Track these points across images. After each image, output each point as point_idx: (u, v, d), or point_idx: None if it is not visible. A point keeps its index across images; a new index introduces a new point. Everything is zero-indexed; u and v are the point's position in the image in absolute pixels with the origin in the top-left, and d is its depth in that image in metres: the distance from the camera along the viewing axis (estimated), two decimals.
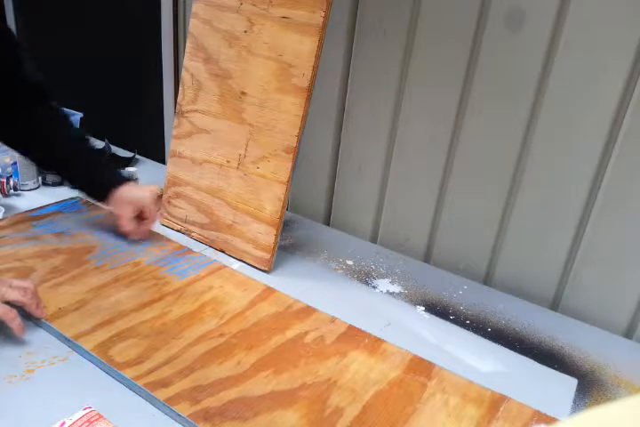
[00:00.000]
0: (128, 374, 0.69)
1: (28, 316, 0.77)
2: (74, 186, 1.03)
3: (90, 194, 1.03)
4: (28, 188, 1.19)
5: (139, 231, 1.00)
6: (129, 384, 0.69)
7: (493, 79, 0.95)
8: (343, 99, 1.12)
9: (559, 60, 0.88)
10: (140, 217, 1.00)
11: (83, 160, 1.00)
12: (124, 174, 1.05)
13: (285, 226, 1.08)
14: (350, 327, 0.84)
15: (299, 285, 0.95)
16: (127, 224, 0.98)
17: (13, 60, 0.94)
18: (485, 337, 0.87)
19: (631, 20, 0.82)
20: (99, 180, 1.01)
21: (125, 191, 0.99)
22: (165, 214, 1.11)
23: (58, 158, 1.00)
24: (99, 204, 1.04)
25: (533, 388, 0.76)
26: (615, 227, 0.92)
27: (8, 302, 0.73)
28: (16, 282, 0.76)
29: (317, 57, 0.89)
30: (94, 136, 1.23)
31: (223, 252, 1.02)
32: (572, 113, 0.90)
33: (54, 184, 1.22)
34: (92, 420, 0.60)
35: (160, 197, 1.08)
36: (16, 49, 0.96)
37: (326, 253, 1.07)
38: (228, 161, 1.01)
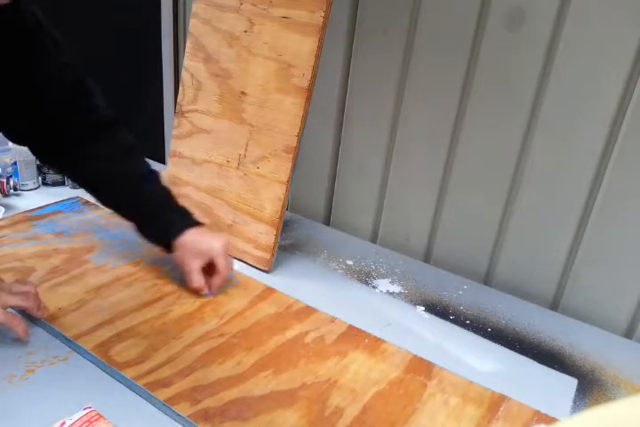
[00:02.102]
0: (128, 374, 0.69)
1: (28, 316, 0.77)
2: (137, 231, 0.90)
3: (151, 241, 0.90)
4: (27, 188, 1.19)
5: (208, 285, 0.87)
6: (129, 384, 0.69)
7: (493, 79, 0.95)
8: (343, 99, 1.12)
9: (559, 59, 0.88)
10: (210, 269, 0.87)
11: (142, 201, 0.88)
12: (193, 217, 0.89)
13: (285, 226, 1.08)
14: (350, 327, 0.84)
15: (299, 285, 0.95)
16: (196, 279, 0.85)
17: (77, 94, 0.82)
18: (485, 337, 0.87)
19: (631, 20, 0.82)
20: (160, 225, 0.87)
21: (192, 239, 0.86)
22: None
23: (114, 201, 0.90)
24: (164, 252, 0.90)
25: (533, 388, 0.76)
26: (615, 227, 0.92)
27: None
28: (16, 286, 0.76)
29: (317, 57, 0.89)
30: None
31: None
32: (572, 113, 0.90)
33: (54, 184, 1.22)
34: (92, 420, 0.60)
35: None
36: (82, 79, 0.83)
37: (326, 253, 1.07)
38: (227, 161, 1.01)
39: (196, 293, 0.87)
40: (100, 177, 0.87)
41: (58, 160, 0.89)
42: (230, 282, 0.90)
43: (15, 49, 0.73)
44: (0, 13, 0.67)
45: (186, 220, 0.88)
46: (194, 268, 0.85)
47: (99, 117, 0.86)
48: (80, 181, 0.93)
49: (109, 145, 0.86)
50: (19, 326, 0.72)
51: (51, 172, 1.21)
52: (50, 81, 0.78)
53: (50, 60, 0.78)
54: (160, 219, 0.87)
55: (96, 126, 0.85)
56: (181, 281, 0.90)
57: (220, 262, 0.86)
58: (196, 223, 0.88)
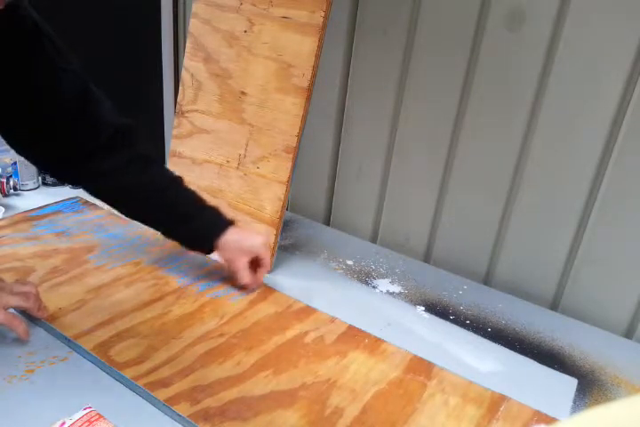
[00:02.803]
0: (128, 374, 0.69)
1: (28, 316, 0.77)
2: (173, 238, 0.90)
3: (191, 246, 0.91)
4: (27, 188, 1.19)
5: (255, 281, 0.90)
6: (129, 384, 0.69)
7: (493, 79, 0.95)
8: (343, 99, 1.12)
9: (559, 60, 0.88)
10: (254, 265, 0.90)
11: (174, 209, 0.87)
12: (227, 216, 0.90)
13: (285, 226, 1.08)
14: (350, 327, 0.84)
15: (299, 285, 0.95)
16: (246, 276, 0.88)
17: (82, 104, 0.79)
18: (485, 337, 0.87)
19: (631, 20, 0.82)
20: (197, 229, 0.87)
21: (234, 238, 0.87)
22: None
23: (141, 212, 0.88)
24: (203, 255, 0.93)
25: (533, 388, 0.76)
26: (615, 227, 0.92)
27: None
28: (17, 287, 0.75)
29: (317, 57, 0.89)
30: None
31: None
32: (572, 113, 0.90)
33: (54, 184, 1.22)
34: (92, 420, 0.60)
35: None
36: (88, 88, 0.80)
37: (326, 253, 1.07)
38: (227, 161, 1.01)
39: (243, 288, 0.90)
40: (118, 191, 0.85)
41: (70, 174, 0.86)
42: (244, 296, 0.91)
43: (11, 54, 0.71)
44: None
45: (222, 220, 0.89)
46: (242, 266, 0.88)
47: (107, 127, 0.82)
48: (100, 196, 0.89)
49: (124, 157, 0.84)
50: (19, 326, 0.72)
51: None
52: (50, 87, 0.76)
53: (49, 66, 0.75)
54: (197, 223, 0.87)
55: (109, 140, 0.82)
56: (182, 281, 0.90)
57: (264, 258, 0.89)
58: (231, 222, 0.89)
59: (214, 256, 0.93)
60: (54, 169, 0.87)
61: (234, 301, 0.88)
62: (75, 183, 0.92)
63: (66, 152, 0.81)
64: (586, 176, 0.92)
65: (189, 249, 0.92)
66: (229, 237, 0.87)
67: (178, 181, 0.89)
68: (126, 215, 0.91)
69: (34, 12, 0.72)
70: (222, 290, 0.90)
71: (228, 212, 0.93)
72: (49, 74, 0.75)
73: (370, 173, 1.14)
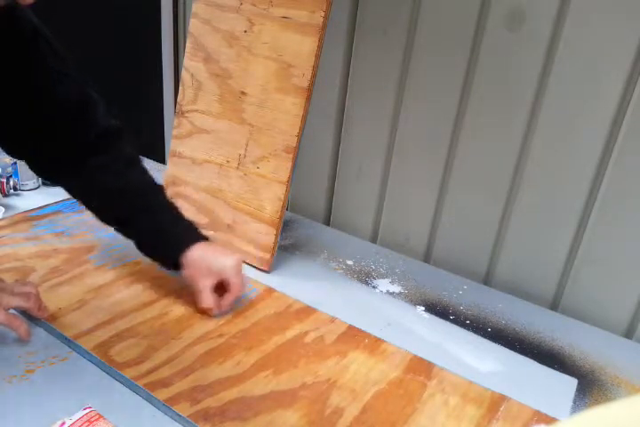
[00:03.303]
0: (128, 374, 0.69)
1: (28, 316, 0.77)
2: (139, 248, 0.84)
3: (158, 257, 0.84)
4: (27, 188, 1.19)
5: (218, 306, 0.81)
6: (129, 384, 0.69)
7: (493, 79, 0.95)
8: (343, 99, 1.12)
9: (559, 60, 0.88)
10: (220, 288, 0.82)
11: (145, 216, 0.82)
12: (199, 231, 0.84)
13: (285, 226, 1.08)
14: (350, 327, 0.84)
15: (299, 285, 0.95)
16: (207, 300, 0.80)
17: (79, 106, 0.78)
18: (485, 337, 0.87)
19: (631, 20, 0.82)
20: (167, 239, 0.82)
21: (200, 254, 0.80)
22: None
23: (116, 215, 0.84)
24: (171, 272, 0.86)
25: (533, 388, 0.76)
26: (615, 227, 0.92)
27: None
28: (18, 287, 0.76)
29: (317, 57, 0.89)
30: None
31: None
32: (572, 113, 0.90)
33: (54, 184, 1.22)
34: (92, 420, 0.60)
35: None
36: (85, 90, 0.79)
37: (326, 253, 1.07)
38: (227, 161, 1.01)
39: (204, 312, 0.82)
40: (98, 190, 0.82)
41: (56, 173, 0.84)
42: (244, 299, 0.87)
43: (8, 56, 0.70)
44: None
45: (192, 234, 0.83)
46: (205, 288, 0.80)
47: (100, 129, 0.81)
48: (78, 195, 0.85)
49: (109, 157, 0.81)
50: (20, 326, 0.72)
51: None
52: (46, 90, 0.75)
53: (46, 68, 0.74)
54: (165, 234, 0.82)
55: (97, 138, 0.81)
56: (182, 281, 0.90)
57: (234, 282, 0.81)
58: (203, 238, 0.83)
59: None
60: (44, 169, 0.85)
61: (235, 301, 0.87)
62: (55, 181, 0.87)
63: (59, 153, 0.80)
64: (586, 176, 0.92)
65: (156, 261, 0.85)
66: (197, 253, 0.80)
67: (157, 188, 0.85)
68: (102, 219, 0.85)
69: (32, 14, 0.72)
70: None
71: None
72: (45, 76, 0.75)
73: (370, 173, 1.14)
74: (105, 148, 0.81)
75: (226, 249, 0.86)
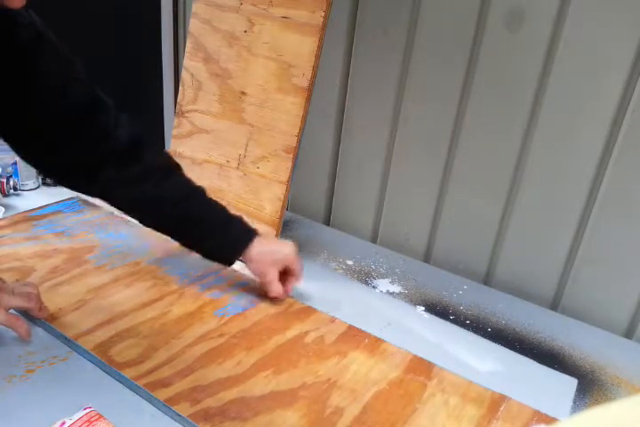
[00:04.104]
0: (128, 374, 0.69)
1: (28, 316, 0.77)
2: (194, 251, 0.87)
3: (214, 259, 0.88)
4: (27, 188, 1.19)
5: (286, 291, 0.88)
6: (129, 384, 0.69)
7: (493, 79, 0.95)
8: (343, 99, 1.12)
9: (559, 60, 0.88)
10: (283, 275, 0.88)
11: (197, 221, 0.84)
12: (251, 227, 0.87)
13: (285, 226, 1.08)
14: (350, 327, 0.84)
15: (299, 285, 0.95)
16: (277, 288, 0.86)
17: (102, 133, 0.78)
18: (485, 337, 0.87)
19: (631, 19, 0.82)
20: (221, 243, 0.85)
21: (264, 250, 0.85)
22: None
23: (163, 224, 0.85)
24: (231, 268, 0.90)
25: (533, 388, 0.76)
26: (615, 227, 0.92)
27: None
28: (18, 287, 0.76)
29: (317, 57, 0.89)
30: None
31: None
32: (572, 113, 0.90)
33: (54, 184, 1.22)
34: (92, 420, 0.60)
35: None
36: (95, 93, 0.78)
37: (326, 253, 1.07)
38: (227, 161, 1.01)
39: (274, 299, 0.87)
40: (140, 202, 0.82)
41: (82, 184, 0.83)
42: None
43: (14, 63, 0.69)
44: None
45: (246, 233, 0.86)
46: (273, 278, 0.86)
47: (118, 136, 0.79)
48: (119, 207, 0.86)
49: (142, 167, 0.81)
50: (21, 327, 0.72)
51: None
52: (56, 96, 0.73)
53: (55, 74, 0.73)
54: (222, 235, 0.84)
55: (120, 146, 0.79)
56: (182, 282, 0.90)
57: (296, 268, 0.88)
58: (255, 233, 0.86)
59: (236, 266, 0.90)
60: (64, 177, 0.84)
61: (235, 301, 0.87)
62: (88, 193, 0.88)
63: (75, 161, 0.79)
64: (586, 176, 0.92)
65: (214, 261, 0.88)
66: (258, 248, 0.85)
67: (198, 192, 0.85)
68: (148, 226, 0.87)
69: (37, 20, 0.70)
70: (223, 290, 0.90)
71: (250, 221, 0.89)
72: (54, 83, 0.73)
73: (370, 172, 1.14)
74: (133, 158, 0.81)
75: (276, 240, 0.94)
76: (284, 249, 0.87)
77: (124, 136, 0.80)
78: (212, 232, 0.84)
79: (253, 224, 0.88)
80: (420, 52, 1.00)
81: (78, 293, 0.85)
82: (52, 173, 0.85)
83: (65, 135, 0.76)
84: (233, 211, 0.87)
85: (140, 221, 0.87)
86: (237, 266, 0.99)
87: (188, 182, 0.85)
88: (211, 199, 0.86)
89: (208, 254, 0.88)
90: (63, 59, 0.74)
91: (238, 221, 0.87)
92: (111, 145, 0.79)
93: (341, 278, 0.99)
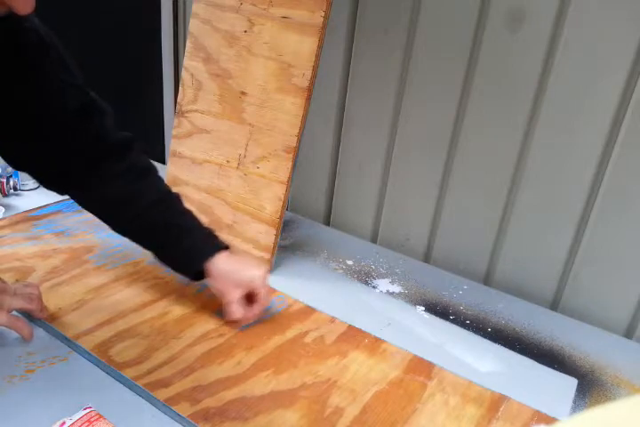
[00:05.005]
0: (128, 374, 0.69)
1: (28, 316, 0.77)
2: (161, 260, 0.83)
3: (178, 268, 0.83)
4: (27, 188, 1.19)
5: (245, 317, 0.81)
6: (129, 384, 0.69)
7: (493, 79, 0.95)
8: (343, 99, 1.12)
9: (559, 60, 0.88)
10: (248, 299, 0.81)
11: (163, 226, 0.80)
12: (220, 240, 0.82)
13: (285, 226, 1.08)
14: (350, 327, 0.84)
15: (299, 285, 0.95)
16: (237, 312, 0.79)
17: (85, 115, 0.76)
18: (485, 337, 0.87)
19: (631, 19, 0.82)
20: (186, 250, 0.80)
21: (229, 268, 0.80)
22: None
23: (130, 227, 0.81)
24: (193, 282, 0.85)
25: (533, 388, 0.76)
26: (615, 227, 0.92)
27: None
28: (20, 288, 0.76)
29: (317, 57, 0.89)
30: None
31: None
32: (572, 113, 0.90)
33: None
34: (92, 420, 0.60)
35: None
36: (92, 100, 0.77)
37: (326, 253, 1.07)
38: (227, 161, 1.01)
39: (232, 323, 0.82)
40: (109, 200, 0.80)
41: (65, 185, 0.81)
42: (269, 311, 0.86)
43: (13, 68, 0.68)
44: None
45: (213, 244, 0.81)
46: (234, 299, 0.79)
47: (110, 140, 0.78)
48: (89, 207, 0.83)
49: (121, 166, 0.79)
50: (24, 328, 0.72)
51: None
52: (53, 102, 0.72)
53: (54, 80, 0.72)
54: (186, 244, 0.80)
55: (107, 149, 0.78)
56: (182, 281, 0.90)
57: (262, 293, 0.81)
58: (223, 246, 0.81)
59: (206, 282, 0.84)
60: (52, 181, 0.81)
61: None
62: (63, 192, 0.84)
63: (66, 165, 0.78)
64: (586, 176, 0.92)
65: (177, 272, 0.84)
66: (223, 266, 0.79)
67: (172, 196, 0.83)
68: (116, 230, 0.83)
69: (40, 24, 0.70)
70: None
71: (225, 238, 0.85)
72: (53, 88, 0.72)
73: (370, 173, 1.14)
74: (116, 158, 0.79)
75: (248, 259, 0.86)
76: (251, 271, 0.81)
77: (111, 138, 0.79)
78: (178, 239, 0.80)
79: (228, 240, 0.84)
80: (420, 51, 1.00)
81: (78, 293, 0.85)
82: (36, 173, 0.81)
83: (57, 140, 0.75)
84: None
85: (109, 223, 0.82)
86: None
87: (164, 186, 0.83)
88: (184, 207, 0.83)
89: (172, 263, 0.83)
90: (64, 64, 0.73)
91: (207, 232, 0.82)
92: (98, 148, 0.78)
93: (341, 278, 0.99)
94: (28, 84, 0.70)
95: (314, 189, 1.23)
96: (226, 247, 0.82)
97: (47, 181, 0.81)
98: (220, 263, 0.79)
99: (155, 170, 0.83)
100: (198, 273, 0.81)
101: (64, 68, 0.73)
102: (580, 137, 0.90)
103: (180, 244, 0.80)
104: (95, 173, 0.78)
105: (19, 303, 0.73)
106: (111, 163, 0.79)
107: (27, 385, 0.67)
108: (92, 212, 0.82)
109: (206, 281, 0.82)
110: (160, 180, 0.84)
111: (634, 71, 0.84)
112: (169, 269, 0.84)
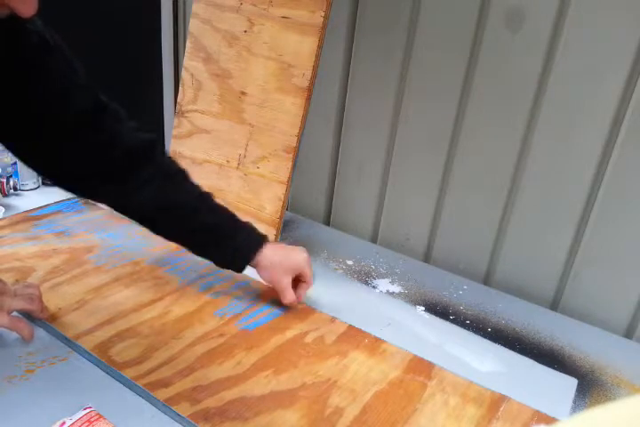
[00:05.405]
0: (128, 374, 0.69)
1: (28, 316, 0.77)
2: (204, 257, 0.86)
3: (225, 266, 0.86)
4: (27, 188, 1.19)
5: (299, 298, 0.87)
6: (129, 384, 0.69)
7: (493, 79, 0.95)
8: (343, 99, 1.12)
9: (559, 60, 0.88)
10: (295, 281, 0.87)
11: (205, 227, 0.82)
12: (260, 233, 0.86)
13: (285, 226, 1.08)
14: (350, 327, 0.84)
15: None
16: (291, 296, 0.85)
17: (110, 139, 0.76)
18: (485, 337, 0.87)
19: (631, 20, 0.82)
20: (231, 250, 0.83)
21: (274, 256, 0.84)
22: None
23: (173, 232, 0.84)
24: (240, 274, 0.87)
25: (533, 388, 0.76)
26: (615, 227, 0.92)
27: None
28: (21, 289, 0.76)
29: (317, 57, 0.89)
30: None
31: None
32: (572, 113, 0.90)
33: (54, 184, 1.22)
34: (92, 420, 0.60)
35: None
36: (100, 99, 0.76)
37: (326, 253, 1.07)
38: (227, 161, 1.01)
39: (287, 305, 0.87)
40: (150, 211, 0.81)
41: (91, 191, 0.82)
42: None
43: (12, 68, 0.67)
44: None
45: (256, 239, 0.85)
46: (287, 285, 0.85)
47: (127, 144, 0.78)
48: (129, 214, 0.83)
49: (150, 175, 0.79)
50: (25, 329, 0.72)
51: None
52: (56, 102, 0.72)
53: (60, 81, 0.71)
54: (230, 244, 0.83)
55: (124, 153, 0.78)
56: (182, 282, 0.90)
57: (307, 274, 0.87)
58: (265, 239, 0.85)
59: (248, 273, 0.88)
60: (72, 185, 0.82)
61: (235, 301, 0.88)
62: (100, 201, 0.86)
63: (82, 168, 0.77)
64: (586, 176, 0.92)
65: (223, 268, 0.87)
66: (269, 255, 0.84)
67: (206, 198, 0.84)
68: (159, 234, 0.84)
69: (44, 26, 0.69)
70: (223, 290, 0.90)
71: (260, 228, 0.87)
72: (56, 88, 0.72)
73: (370, 173, 1.14)
74: (141, 165, 0.79)
75: (289, 247, 0.89)
76: (297, 256, 0.86)
77: (131, 142, 0.78)
78: (222, 240, 0.83)
79: (262, 230, 0.87)
80: (420, 51, 1.00)
81: (78, 293, 0.85)
82: (63, 181, 0.82)
83: (69, 142, 0.74)
84: (239, 215, 0.85)
85: (152, 230, 0.84)
86: None
87: (196, 189, 0.83)
88: (219, 205, 0.84)
89: (219, 262, 0.86)
90: (69, 65, 0.73)
91: (249, 228, 0.85)
92: (115, 152, 0.77)
93: (341, 278, 0.99)
94: (30, 84, 0.70)
95: (314, 189, 1.23)
96: (265, 238, 0.86)
97: (69, 186, 0.82)
98: (267, 254, 0.84)
99: (181, 170, 0.83)
100: (243, 267, 0.85)
101: (70, 69, 0.73)
102: (580, 137, 0.90)
103: (226, 243, 0.83)
104: (119, 178, 0.78)
105: (19, 304, 0.73)
106: (134, 168, 0.78)
107: (27, 385, 0.67)
108: (132, 218, 0.83)
109: (258, 272, 0.86)
110: (190, 180, 0.84)
111: (634, 71, 0.84)
112: (210, 262, 0.86)
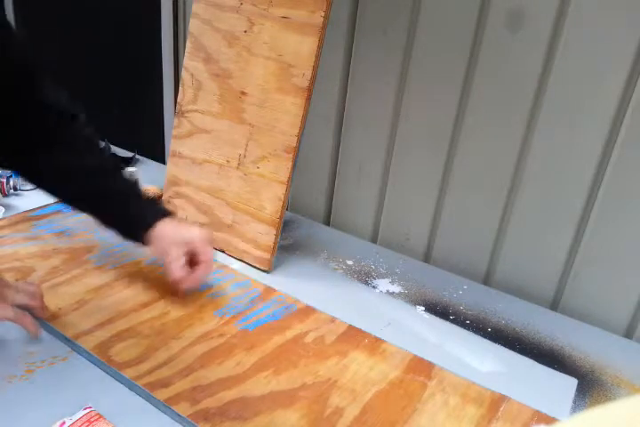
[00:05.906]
0: (128, 374, 0.69)
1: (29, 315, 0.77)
2: (105, 225, 0.85)
3: (123, 233, 0.84)
4: (27, 188, 1.19)
5: (190, 279, 0.82)
6: (129, 384, 0.69)
7: (493, 79, 0.95)
8: (343, 99, 1.12)
9: (559, 60, 0.88)
10: (191, 262, 0.83)
11: (109, 194, 0.82)
12: (164, 207, 0.86)
13: (285, 226, 1.08)
14: (350, 327, 0.84)
15: (299, 285, 0.95)
16: (177, 270, 0.80)
17: (26, 83, 0.76)
18: (485, 337, 0.87)
19: (631, 20, 0.82)
20: (130, 215, 0.83)
21: (168, 229, 0.82)
22: None
23: (80, 194, 0.83)
24: (138, 245, 0.85)
25: (533, 388, 0.76)
26: (615, 227, 0.92)
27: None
28: (23, 286, 0.76)
29: (317, 57, 0.89)
30: None
31: (223, 252, 1.02)
32: (572, 113, 0.90)
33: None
34: (92, 420, 0.60)
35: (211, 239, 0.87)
36: (29, 67, 0.76)
37: (326, 253, 1.07)
38: (227, 161, 1.01)
39: (176, 293, 0.84)
40: (59, 171, 0.81)
41: (11, 159, 0.82)
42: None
43: None
44: None
45: (157, 210, 0.84)
46: (175, 257, 0.80)
47: (52, 107, 0.78)
48: (36, 180, 0.85)
49: (66, 137, 0.80)
50: (30, 323, 0.72)
51: None
52: None
53: None
54: (130, 210, 0.82)
55: (50, 118, 0.78)
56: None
57: (204, 251, 0.81)
58: (167, 213, 0.84)
59: (236, 266, 0.87)
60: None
61: (235, 301, 0.88)
62: (17, 168, 0.86)
63: (17, 142, 0.78)
64: (586, 176, 0.92)
65: (125, 238, 0.85)
66: (163, 227, 0.81)
67: (119, 168, 0.87)
68: (63, 199, 0.86)
69: None
70: (222, 290, 0.90)
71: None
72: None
73: (370, 173, 1.14)
74: (61, 129, 0.80)
75: (191, 224, 0.87)
76: (191, 231, 0.82)
77: (56, 109, 0.79)
78: (127, 206, 0.82)
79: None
80: (420, 52, 1.00)
81: (78, 293, 0.85)
82: None
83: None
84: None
85: (53, 192, 0.85)
86: (237, 266, 0.99)
87: (110, 157, 0.87)
88: (129, 178, 0.85)
89: (117, 230, 0.84)
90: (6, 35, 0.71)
91: (153, 200, 0.87)
92: (43, 116, 0.77)
93: (341, 278, 0.99)
94: None
95: (314, 189, 1.23)
96: (170, 213, 0.85)
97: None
98: (160, 228, 0.81)
99: (98, 143, 0.86)
100: (143, 237, 0.82)
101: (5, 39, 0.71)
102: (580, 137, 0.90)
103: (128, 210, 0.82)
104: (41, 144, 0.78)
105: (22, 299, 0.74)
106: (55, 133, 0.79)
107: (27, 385, 0.67)
108: (35, 183, 0.85)
109: (149, 247, 0.83)
110: (104, 151, 0.86)
111: (634, 71, 0.84)
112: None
